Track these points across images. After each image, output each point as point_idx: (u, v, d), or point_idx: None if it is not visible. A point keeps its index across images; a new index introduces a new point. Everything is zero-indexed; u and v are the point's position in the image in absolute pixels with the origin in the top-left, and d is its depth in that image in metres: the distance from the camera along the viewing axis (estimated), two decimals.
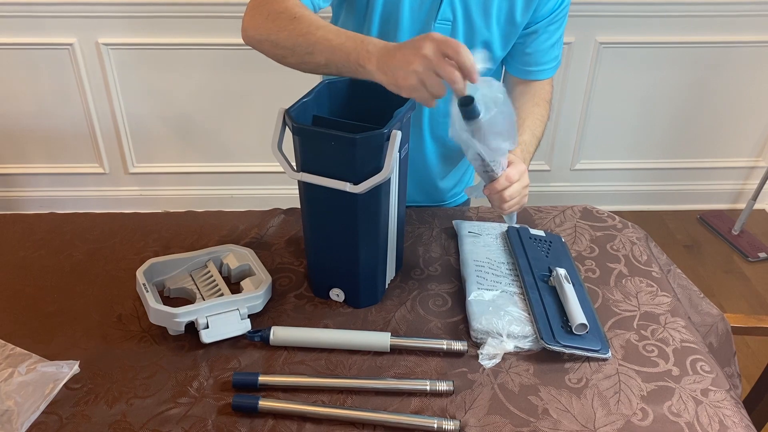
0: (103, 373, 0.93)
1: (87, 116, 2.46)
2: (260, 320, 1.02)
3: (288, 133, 0.94)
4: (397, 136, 0.88)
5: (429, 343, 0.97)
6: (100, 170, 2.61)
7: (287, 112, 0.93)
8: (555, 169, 2.67)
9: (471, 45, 1.12)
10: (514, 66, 1.23)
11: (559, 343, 0.94)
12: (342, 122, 0.97)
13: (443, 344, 0.96)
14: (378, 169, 0.90)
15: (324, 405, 0.88)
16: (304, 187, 0.97)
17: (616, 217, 1.29)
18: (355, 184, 0.90)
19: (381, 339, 0.96)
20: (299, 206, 1.31)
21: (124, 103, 2.45)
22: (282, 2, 0.94)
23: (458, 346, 0.96)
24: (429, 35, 0.81)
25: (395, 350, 0.97)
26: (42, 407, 0.88)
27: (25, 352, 0.96)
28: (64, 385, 0.91)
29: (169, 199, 2.68)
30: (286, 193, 2.59)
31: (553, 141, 2.60)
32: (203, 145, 2.57)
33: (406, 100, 0.96)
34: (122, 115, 2.47)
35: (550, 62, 1.23)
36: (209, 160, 2.60)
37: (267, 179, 2.65)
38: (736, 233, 2.63)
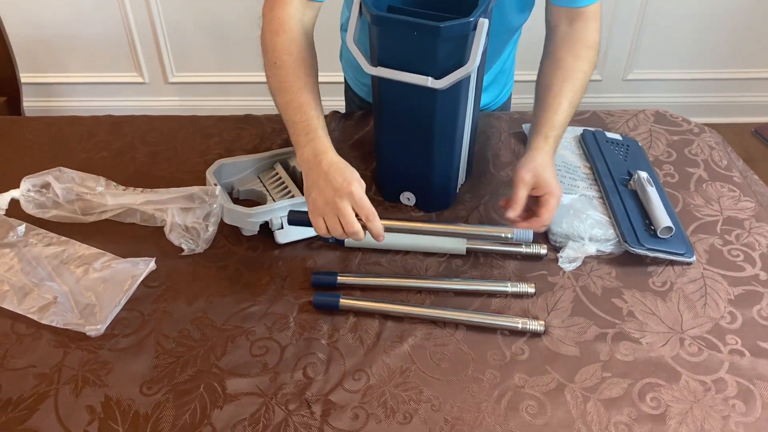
0: (179, 271, 0.93)
1: (125, 23, 2.39)
2: None
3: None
4: (484, 24, 0.83)
5: (506, 246, 0.94)
6: (140, 79, 2.57)
7: (363, 1, 0.88)
8: (606, 78, 2.57)
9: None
10: None
11: (644, 246, 0.91)
12: (419, 12, 0.91)
13: (521, 247, 0.94)
14: (460, 63, 0.85)
15: (404, 304, 0.87)
16: (378, 83, 0.93)
17: (692, 121, 1.23)
18: (437, 78, 0.85)
19: (457, 242, 0.94)
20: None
21: (162, 10, 2.38)
22: (272, 34, 0.93)
23: (537, 249, 0.93)
24: (347, 191, 0.80)
25: (471, 254, 0.95)
26: (123, 302, 0.88)
27: (99, 251, 0.96)
28: (142, 282, 0.91)
29: (209, 110, 2.63)
30: (332, 106, 2.53)
31: (606, 50, 2.47)
32: (245, 54, 2.49)
33: None
34: (161, 22, 2.40)
35: None
36: (251, 69, 2.53)
37: None
38: None
